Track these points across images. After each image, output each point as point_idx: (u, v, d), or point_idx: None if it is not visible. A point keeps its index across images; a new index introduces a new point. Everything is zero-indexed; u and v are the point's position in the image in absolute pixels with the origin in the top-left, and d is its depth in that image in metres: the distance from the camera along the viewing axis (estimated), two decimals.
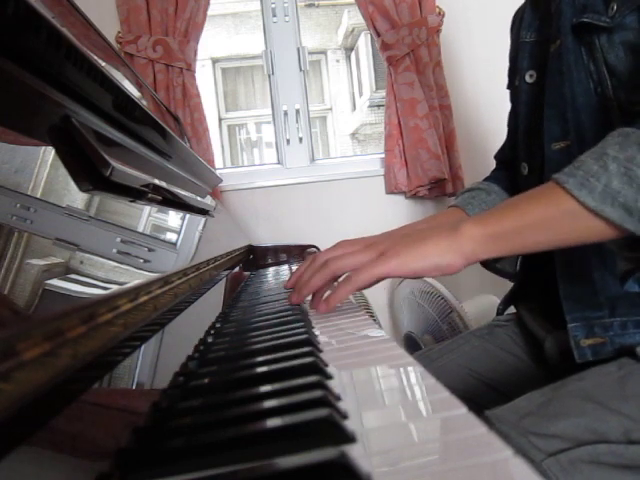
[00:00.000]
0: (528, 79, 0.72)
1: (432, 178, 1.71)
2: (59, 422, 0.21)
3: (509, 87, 0.84)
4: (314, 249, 1.30)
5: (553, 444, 0.49)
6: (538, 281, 0.76)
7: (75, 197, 0.35)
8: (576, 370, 0.59)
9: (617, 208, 0.48)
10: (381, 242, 0.56)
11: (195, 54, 1.67)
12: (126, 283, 0.36)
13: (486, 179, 0.89)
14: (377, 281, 0.54)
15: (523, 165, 0.75)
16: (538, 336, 0.72)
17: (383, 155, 1.82)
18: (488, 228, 0.52)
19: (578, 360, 0.61)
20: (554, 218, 0.51)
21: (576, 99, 0.62)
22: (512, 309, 0.84)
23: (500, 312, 0.85)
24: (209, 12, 1.69)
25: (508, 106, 0.86)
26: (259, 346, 0.43)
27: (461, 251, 0.51)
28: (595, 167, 0.49)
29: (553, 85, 0.65)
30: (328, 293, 0.56)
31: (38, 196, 0.31)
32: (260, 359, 0.39)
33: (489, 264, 0.84)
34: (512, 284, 0.84)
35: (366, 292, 1.77)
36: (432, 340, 1.49)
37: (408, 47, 1.70)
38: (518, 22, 0.78)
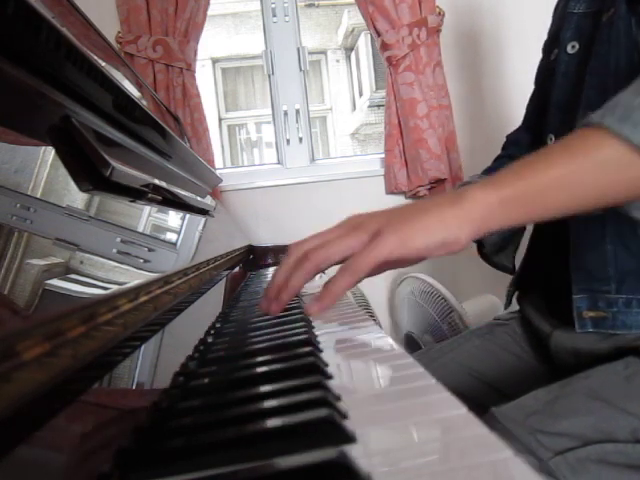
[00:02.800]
0: (570, 50, 0.72)
1: (432, 178, 1.71)
2: (59, 422, 0.21)
3: (541, 62, 0.84)
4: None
5: (560, 443, 0.49)
6: (543, 272, 0.76)
7: (75, 197, 0.35)
8: (581, 367, 0.59)
9: None
10: (370, 221, 0.45)
11: (195, 54, 1.67)
12: (126, 283, 0.36)
13: (485, 170, 0.89)
14: (377, 269, 0.44)
15: (550, 137, 0.74)
16: (543, 332, 0.72)
17: (383, 155, 1.82)
18: (502, 190, 0.43)
19: (578, 330, 0.61)
20: (589, 169, 0.42)
21: (619, 69, 0.61)
22: (514, 307, 0.84)
23: (509, 296, 0.84)
24: (209, 12, 1.69)
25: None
26: (259, 346, 0.43)
27: (470, 220, 0.42)
28: (637, 100, 0.42)
29: (599, 53, 0.65)
30: (318, 291, 0.47)
31: (38, 196, 0.31)
32: (260, 359, 0.39)
33: (487, 256, 0.84)
34: (519, 268, 0.84)
35: (366, 292, 1.77)
36: (432, 340, 1.49)
37: (408, 47, 1.70)
38: None
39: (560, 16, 0.78)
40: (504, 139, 0.92)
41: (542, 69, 0.84)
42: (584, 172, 0.42)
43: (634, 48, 0.60)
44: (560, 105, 0.73)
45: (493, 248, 0.83)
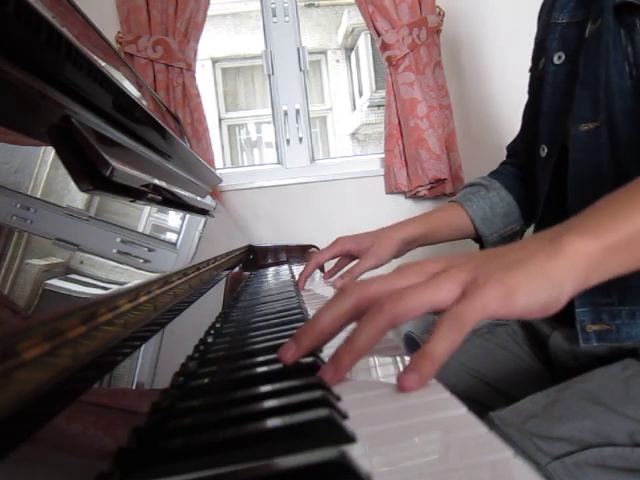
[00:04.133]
0: (556, 60, 0.72)
1: (432, 178, 1.71)
2: (59, 422, 0.21)
3: (531, 70, 0.84)
4: (314, 249, 1.30)
5: (558, 447, 0.48)
6: None
7: (75, 197, 0.35)
8: (579, 369, 0.59)
9: None
10: (456, 267, 0.35)
11: (195, 54, 1.67)
12: (126, 283, 0.36)
13: (490, 174, 0.89)
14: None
15: (542, 147, 0.74)
16: (542, 333, 0.72)
17: (383, 155, 1.82)
18: (604, 238, 0.36)
19: (582, 344, 0.61)
20: None
21: (610, 81, 0.61)
22: None
23: None
24: (209, 12, 1.69)
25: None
26: (259, 346, 0.43)
27: (573, 276, 0.35)
28: None
29: (588, 65, 0.64)
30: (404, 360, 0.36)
31: (38, 196, 0.31)
32: (260, 359, 0.38)
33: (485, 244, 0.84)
34: None
35: None
36: None
37: (408, 47, 1.70)
38: (550, 4, 0.77)
39: (544, 25, 0.78)
40: (504, 139, 0.92)
41: (533, 78, 0.83)
42: None
43: (624, 59, 0.60)
44: (550, 115, 0.73)
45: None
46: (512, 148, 0.92)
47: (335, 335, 0.35)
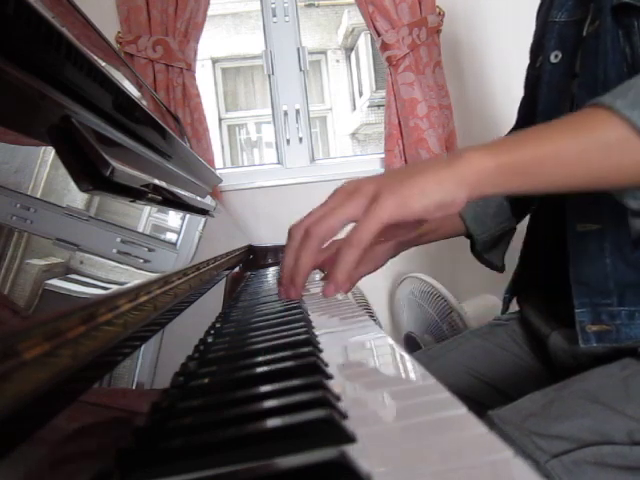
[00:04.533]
0: (552, 59, 0.72)
1: None
2: (59, 422, 0.21)
3: (528, 68, 0.84)
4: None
5: (557, 445, 0.48)
6: (543, 273, 0.76)
7: (75, 197, 0.35)
8: (579, 368, 0.59)
9: None
10: (366, 185, 0.44)
11: (195, 54, 1.67)
12: (126, 283, 0.36)
13: None
14: (380, 238, 0.43)
15: None
16: (542, 333, 0.72)
17: (383, 155, 1.82)
18: (501, 157, 0.42)
19: (582, 345, 0.61)
20: (592, 148, 0.42)
21: (609, 82, 0.61)
22: (514, 307, 0.84)
23: (506, 302, 0.85)
24: (209, 12, 1.69)
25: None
26: (259, 346, 0.43)
27: (466, 183, 0.42)
28: None
29: (587, 66, 0.64)
30: (320, 282, 0.47)
31: (38, 196, 0.31)
32: (260, 359, 0.38)
33: (478, 252, 0.85)
34: (514, 274, 0.84)
35: (366, 292, 1.77)
36: (432, 340, 1.49)
37: (408, 47, 1.70)
38: (548, 3, 0.77)
39: (542, 23, 0.78)
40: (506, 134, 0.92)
41: (529, 75, 0.84)
42: (586, 150, 0.42)
43: (623, 60, 0.60)
44: (546, 115, 0.73)
45: (484, 247, 0.84)
46: None
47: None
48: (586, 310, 0.61)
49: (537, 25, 0.82)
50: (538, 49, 0.78)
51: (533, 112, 0.76)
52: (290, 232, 0.48)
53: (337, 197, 0.46)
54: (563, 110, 0.67)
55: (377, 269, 0.77)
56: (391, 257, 0.80)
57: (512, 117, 0.89)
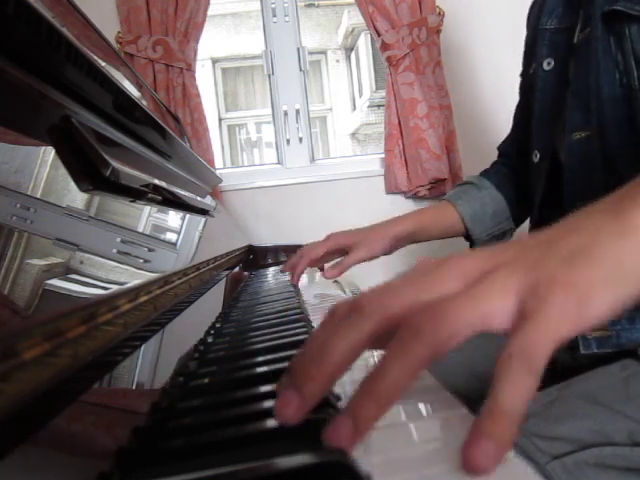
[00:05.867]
0: (545, 67, 0.72)
1: (432, 178, 1.71)
2: (59, 422, 0.21)
3: (522, 75, 0.84)
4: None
5: (557, 446, 0.48)
6: None
7: (75, 197, 0.35)
8: (578, 368, 0.59)
9: None
10: (504, 267, 0.25)
11: (195, 54, 1.67)
12: (126, 283, 0.36)
13: (481, 173, 0.90)
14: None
15: (535, 153, 0.74)
16: None
17: (383, 155, 1.82)
18: None
19: (582, 351, 0.61)
20: None
21: (601, 89, 0.60)
22: None
23: None
24: (209, 12, 1.69)
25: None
26: (259, 346, 0.43)
27: None
28: None
29: (579, 74, 0.64)
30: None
31: (38, 196, 0.31)
32: (260, 359, 0.39)
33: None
34: None
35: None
36: None
37: (408, 47, 1.70)
38: (537, 8, 0.77)
39: (533, 29, 0.78)
40: (504, 138, 0.92)
41: (524, 81, 0.84)
42: None
43: (614, 68, 0.60)
44: (541, 121, 0.73)
45: (482, 247, 0.84)
46: (503, 149, 0.93)
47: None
48: None
49: (528, 31, 0.82)
50: (530, 56, 0.78)
51: (529, 119, 0.76)
52: (355, 304, 0.25)
53: (451, 274, 0.26)
54: (558, 117, 0.67)
55: (370, 259, 0.78)
56: (386, 254, 0.81)
57: (512, 117, 0.89)
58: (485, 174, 0.89)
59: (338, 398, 0.30)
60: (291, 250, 1.33)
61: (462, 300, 0.24)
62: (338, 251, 0.82)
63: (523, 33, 0.84)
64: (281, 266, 0.80)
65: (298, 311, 0.56)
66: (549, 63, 0.71)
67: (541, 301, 0.23)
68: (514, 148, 0.86)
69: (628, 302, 0.25)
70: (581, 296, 0.24)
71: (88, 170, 0.36)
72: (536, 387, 0.23)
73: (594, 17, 0.61)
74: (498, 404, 0.22)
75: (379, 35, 1.72)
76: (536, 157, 0.74)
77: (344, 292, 0.83)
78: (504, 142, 0.92)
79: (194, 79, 1.67)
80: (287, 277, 0.95)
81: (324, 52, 6.85)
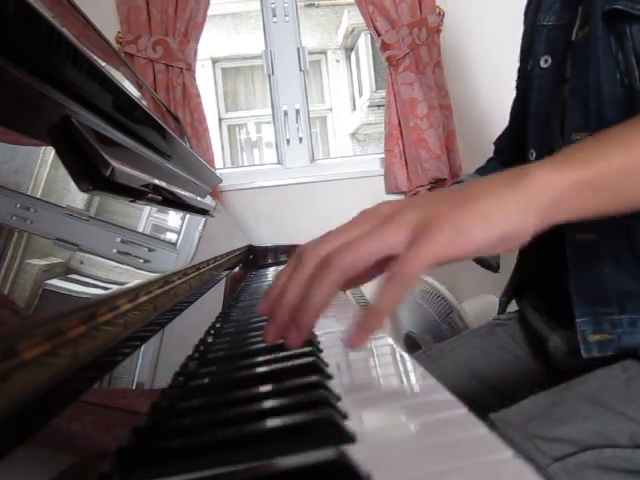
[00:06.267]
0: (543, 64, 0.71)
1: (432, 178, 1.71)
2: (59, 422, 0.21)
3: (519, 72, 0.83)
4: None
5: (559, 448, 0.48)
6: (542, 275, 0.76)
7: (75, 197, 0.35)
8: (579, 369, 0.59)
9: None
10: (407, 210, 0.34)
11: (195, 54, 1.67)
12: (126, 283, 0.36)
13: (477, 170, 0.90)
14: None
15: (531, 152, 0.74)
16: (541, 334, 0.72)
17: (383, 155, 1.82)
18: (575, 171, 0.35)
19: (584, 355, 0.61)
20: None
21: (601, 89, 0.60)
22: (514, 307, 0.84)
23: (503, 305, 0.85)
24: (209, 12, 1.69)
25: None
26: (259, 346, 0.43)
27: (535, 207, 0.33)
28: None
29: (578, 73, 0.63)
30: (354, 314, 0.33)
31: (38, 196, 0.31)
32: (260, 359, 0.39)
33: None
34: (511, 278, 0.84)
35: (365, 292, 1.76)
36: (432, 340, 1.49)
37: (408, 47, 1.70)
38: (535, 4, 0.76)
39: (530, 26, 0.77)
40: (500, 134, 0.92)
41: (521, 77, 0.83)
42: None
43: (615, 67, 0.59)
44: (538, 119, 0.73)
45: None
46: (499, 145, 0.92)
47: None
48: (588, 319, 0.61)
49: (525, 27, 0.81)
50: (528, 53, 0.77)
51: (525, 115, 0.76)
52: (301, 254, 0.34)
53: (368, 221, 0.34)
54: (555, 116, 0.67)
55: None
56: None
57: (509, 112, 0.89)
58: (480, 171, 0.89)
59: (338, 398, 0.30)
60: (291, 250, 1.33)
61: (365, 235, 0.33)
62: None
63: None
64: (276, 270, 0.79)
65: None
66: (546, 60, 0.71)
67: (426, 230, 0.32)
68: (510, 144, 0.86)
69: (515, 238, 0.33)
70: (459, 228, 0.32)
71: (88, 170, 0.36)
72: (404, 295, 0.32)
73: (594, 16, 0.60)
74: (373, 305, 0.32)
75: (379, 35, 1.72)
76: (532, 156, 0.74)
77: (343, 290, 0.83)
78: (500, 137, 0.92)
79: (194, 79, 1.67)
80: None
81: (324, 52, 6.85)
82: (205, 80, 5.52)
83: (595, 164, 0.35)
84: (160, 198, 0.52)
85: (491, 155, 0.96)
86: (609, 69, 0.59)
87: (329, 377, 0.34)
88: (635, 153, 0.36)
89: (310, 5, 6.27)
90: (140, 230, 0.48)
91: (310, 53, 1.85)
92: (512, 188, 0.33)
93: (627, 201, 0.38)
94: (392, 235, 0.32)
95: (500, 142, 0.92)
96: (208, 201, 0.95)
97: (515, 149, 0.81)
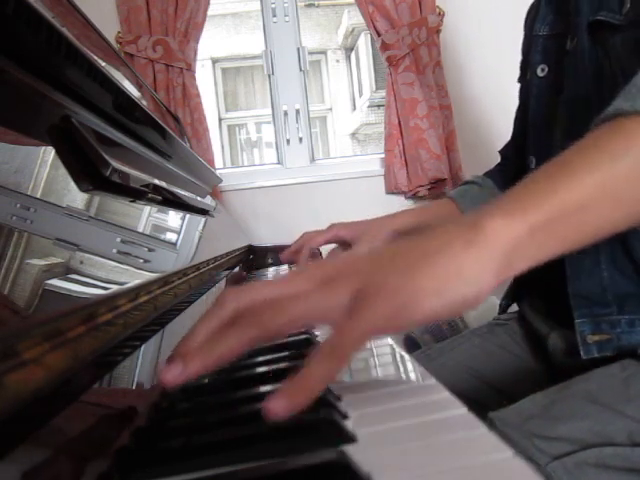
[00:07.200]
0: (539, 73, 0.72)
1: (432, 178, 1.71)
2: (59, 422, 0.21)
3: (520, 80, 0.84)
4: (315, 250, 1.30)
5: (558, 447, 0.48)
6: (541, 277, 0.76)
7: (75, 197, 0.35)
8: (578, 368, 0.59)
9: None
10: (350, 272, 0.30)
11: (195, 54, 1.67)
12: (126, 283, 0.36)
13: (485, 173, 0.90)
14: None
15: (530, 159, 0.74)
16: (541, 333, 0.72)
17: (383, 155, 1.82)
18: (531, 215, 0.31)
19: (584, 356, 0.61)
20: (633, 167, 0.33)
21: (590, 99, 0.60)
22: (514, 307, 0.84)
23: (503, 308, 0.85)
24: (209, 12, 1.69)
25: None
26: (259, 346, 0.43)
27: (493, 264, 0.30)
28: None
29: (569, 85, 0.64)
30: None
31: (38, 196, 0.31)
32: (260, 359, 0.39)
33: None
34: (511, 279, 0.84)
35: None
36: (432, 340, 1.49)
37: (408, 47, 1.70)
38: (533, 15, 0.77)
39: (528, 35, 0.78)
40: (504, 140, 0.92)
41: (522, 87, 0.84)
42: (629, 171, 0.33)
43: (602, 77, 0.59)
44: (536, 127, 0.73)
45: None
46: (504, 153, 0.93)
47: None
48: (586, 320, 0.61)
49: (524, 36, 0.82)
50: (527, 62, 0.78)
51: (525, 123, 0.76)
52: (223, 297, 0.30)
53: (305, 279, 0.30)
54: (553, 124, 0.67)
55: None
56: None
57: (512, 117, 0.89)
58: (488, 174, 0.89)
59: (338, 398, 0.30)
60: None
61: (299, 296, 0.29)
62: (338, 243, 0.82)
63: (522, 33, 0.84)
64: (281, 255, 0.79)
65: None
66: (543, 69, 0.71)
67: (365, 301, 0.28)
68: (515, 152, 0.86)
69: (472, 302, 0.29)
70: (404, 299, 0.28)
71: (88, 170, 0.36)
72: (340, 370, 0.28)
73: (580, 27, 0.61)
74: (301, 375, 0.27)
75: (379, 35, 1.72)
76: (532, 163, 0.74)
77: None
78: (506, 146, 0.92)
79: (194, 79, 1.67)
80: None
81: (324, 52, 6.85)
82: (205, 80, 5.52)
83: (550, 202, 0.32)
84: (160, 198, 0.52)
85: (492, 155, 0.96)
86: (596, 79, 0.60)
87: None
88: (587, 182, 0.33)
89: (310, 5, 6.27)
90: (140, 230, 0.48)
91: (310, 53, 1.85)
92: (466, 247, 0.29)
93: (595, 230, 0.35)
94: (331, 299, 0.29)
95: (506, 150, 0.92)
96: (208, 201, 0.95)
97: (518, 156, 0.82)
